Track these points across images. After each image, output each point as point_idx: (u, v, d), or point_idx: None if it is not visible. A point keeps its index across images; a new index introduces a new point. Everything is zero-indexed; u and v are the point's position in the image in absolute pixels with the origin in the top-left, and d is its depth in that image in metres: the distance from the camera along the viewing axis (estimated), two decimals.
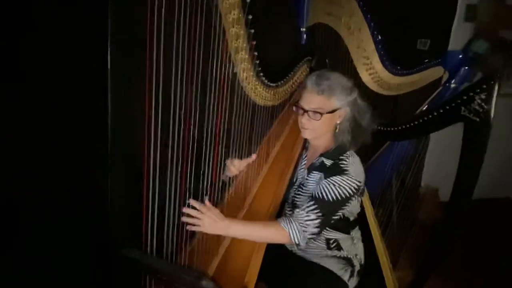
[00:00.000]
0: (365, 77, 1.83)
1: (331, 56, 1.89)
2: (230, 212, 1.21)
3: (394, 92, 1.80)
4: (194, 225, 1.01)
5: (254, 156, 1.31)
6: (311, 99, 1.19)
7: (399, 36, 2.14)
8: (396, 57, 1.98)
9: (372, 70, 1.79)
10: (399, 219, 2.04)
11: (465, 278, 2.07)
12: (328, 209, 1.13)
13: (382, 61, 1.78)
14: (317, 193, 1.16)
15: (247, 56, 1.13)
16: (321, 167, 1.25)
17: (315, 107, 1.18)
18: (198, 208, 1.00)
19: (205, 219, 1.01)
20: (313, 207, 1.13)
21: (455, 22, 2.45)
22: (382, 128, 1.48)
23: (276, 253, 1.32)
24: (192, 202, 1.00)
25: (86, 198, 0.97)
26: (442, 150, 2.20)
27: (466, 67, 1.67)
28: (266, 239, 1.14)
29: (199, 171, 1.08)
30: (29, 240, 0.91)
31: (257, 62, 1.18)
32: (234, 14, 1.04)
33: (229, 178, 1.33)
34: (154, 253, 0.93)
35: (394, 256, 1.80)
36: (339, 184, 1.15)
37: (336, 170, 1.18)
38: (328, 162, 1.23)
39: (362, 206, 1.59)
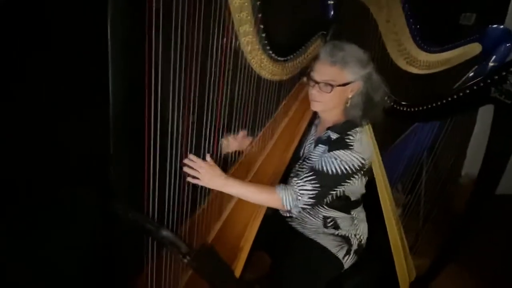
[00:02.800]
0: (394, 53, 1.71)
1: (358, 31, 1.78)
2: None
3: (425, 70, 1.66)
4: (194, 177, 1.04)
5: (244, 133, 1.32)
6: (323, 70, 1.14)
7: (439, 9, 1.96)
8: (433, 33, 1.82)
9: (402, 46, 1.66)
10: (432, 208, 1.95)
11: (482, 267, 1.97)
12: (326, 182, 1.11)
13: (413, 37, 1.64)
14: (318, 164, 1.13)
15: (251, 29, 1.09)
16: (327, 141, 1.22)
17: (326, 79, 1.13)
18: (198, 161, 1.04)
19: (205, 172, 1.04)
20: (311, 177, 1.11)
21: None
22: (404, 108, 1.39)
23: (276, 226, 1.36)
24: (193, 157, 1.04)
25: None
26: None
27: (508, 44, 1.50)
28: (260, 201, 1.16)
29: (201, 144, 1.10)
30: (33, 214, 0.97)
31: (263, 35, 1.13)
32: None
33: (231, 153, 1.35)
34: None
35: (421, 245, 1.73)
36: (341, 159, 1.12)
37: (341, 144, 1.15)
38: (334, 136, 1.20)
39: (375, 188, 1.54)
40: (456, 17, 2.13)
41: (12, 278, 0.90)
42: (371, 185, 1.50)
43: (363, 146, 1.15)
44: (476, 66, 1.57)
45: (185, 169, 1.03)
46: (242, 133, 1.33)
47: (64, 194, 0.93)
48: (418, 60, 1.65)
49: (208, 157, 1.07)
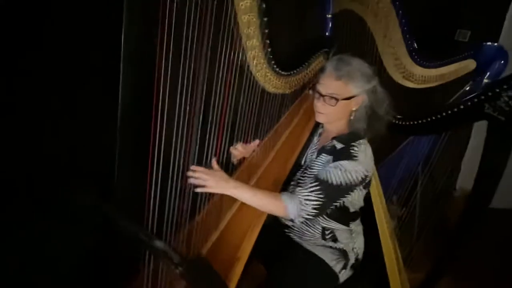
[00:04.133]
0: (390, 68, 1.74)
1: (356, 45, 1.82)
2: None
3: (421, 84, 1.69)
4: (200, 185, 1.01)
5: (257, 142, 1.32)
6: (328, 84, 1.16)
7: (435, 25, 2.00)
8: (429, 49, 1.85)
9: (398, 60, 1.69)
10: (426, 221, 1.95)
11: (477, 281, 1.98)
12: (330, 193, 1.11)
13: (409, 52, 1.67)
14: (322, 175, 1.13)
15: (258, 44, 1.12)
16: (332, 150, 1.22)
17: (331, 92, 1.15)
18: (202, 169, 1.02)
19: (211, 178, 1.02)
20: (316, 188, 1.11)
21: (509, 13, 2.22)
22: (399, 122, 1.41)
23: (274, 237, 1.35)
24: (196, 168, 1.02)
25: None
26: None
27: (502, 61, 1.53)
28: (264, 207, 1.14)
29: (204, 153, 1.11)
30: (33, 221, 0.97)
31: (269, 50, 1.16)
32: (247, 2, 1.03)
33: (235, 162, 1.35)
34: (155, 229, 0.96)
35: (415, 258, 1.73)
36: (345, 169, 1.12)
37: (346, 155, 1.15)
38: (339, 146, 1.20)
39: (370, 200, 1.55)
40: (451, 33, 2.18)
41: (7, 278, 0.90)
42: (366, 197, 1.51)
43: (367, 158, 1.16)
44: (471, 82, 1.60)
45: (192, 179, 1.01)
46: (254, 143, 1.33)
47: (63, 196, 0.93)
48: (414, 75, 1.68)
49: (214, 162, 1.07)
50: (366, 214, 1.50)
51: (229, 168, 1.34)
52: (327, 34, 1.91)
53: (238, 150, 1.29)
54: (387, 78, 1.74)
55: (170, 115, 0.88)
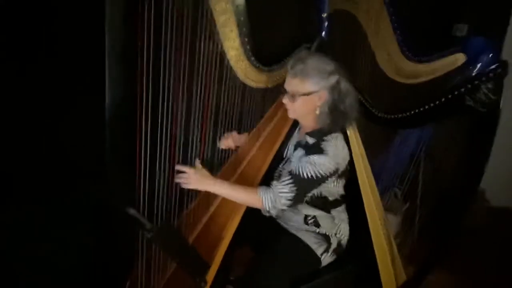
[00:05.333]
0: (383, 63, 1.77)
1: (351, 44, 1.86)
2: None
3: (412, 80, 1.71)
4: (184, 182, 1.15)
5: (246, 136, 1.46)
6: (289, 81, 1.27)
7: (431, 20, 2.01)
8: (426, 44, 1.87)
9: (389, 56, 1.72)
10: (430, 219, 1.96)
11: (471, 274, 2.00)
12: (302, 185, 1.21)
13: (400, 47, 1.70)
14: (295, 169, 1.23)
15: (235, 43, 1.21)
16: (304, 145, 1.32)
17: (291, 89, 1.26)
18: (185, 168, 1.15)
19: (193, 176, 1.15)
20: (289, 181, 1.21)
21: None
22: (384, 115, 1.46)
23: (263, 223, 1.47)
24: (180, 167, 1.15)
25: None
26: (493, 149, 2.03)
27: (491, 54, 1.53)
28: (243, 201, 1.26)
29: (189, 144, 1.21)
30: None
31: (248, 47, 1.24)
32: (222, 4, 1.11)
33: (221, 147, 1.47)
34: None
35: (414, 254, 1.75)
36: (315, 163, 1.21)
37: (316, 149, 1.24)
38: (310, 141, 1.31)
39: (358, 192, 1.59)
40: (448, 28, 2.18)
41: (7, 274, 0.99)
42: (355, 187, 1.56)
43: (337, 151, 1.25)
44: (459, 77, 1.61)
45: (176, 177, 1.14)
46: (244, 137, 1.49)
47: (59, 193, 1.03)
48: (405, 70, 1.71)
49: (197, 162, 1.20)
50: (356, 204, 1.55)
51: (215, 159, 1.43)
52: (323, 34, 1.98)
53: (228, 142, 1.43)
54: (380, 74, 1.78)
55: (156, 111, 0.97)
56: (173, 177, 1.13)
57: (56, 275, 1.09)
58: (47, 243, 1.04)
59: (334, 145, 1.25)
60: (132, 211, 0.90)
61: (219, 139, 1.42)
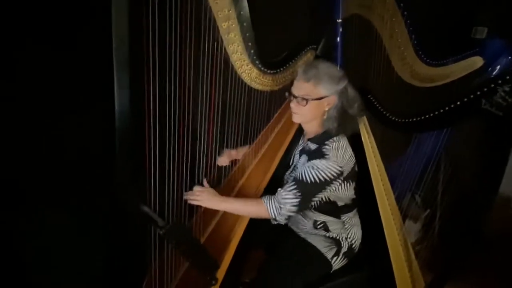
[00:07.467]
0: (398, 67, 1.76)
1: (365, 48, 1.85)
2: (226, 189, 1.46)
3: (428, 83, 1.69)
4: (194, 200, 1.23)
5: (246, 148, 1.50)
6: (299, 86, 1.29)
7: (451, 23, 1.98)
8: (445, 47, 1.84)
9: (405, 60, 1.71)
10: (452, 225, 1.91)
11: (477, 278, 1.92)
12: (306, 191, 1.23)
13: (416, 51, 1.69)
14: (299, 174, 1.25)
15: (239, 47, 1.23)
16: (308, 151, 1.34)
17: (302, 94, 1.27)
18: (197, 190, 1.24)
19: (203, 195, 1.23)
20: (293, 187, 1.23)
21: None
22: (398, 120, 1.45)
23: (275, 227, 1.45)
24: (190, 192, 1.24)
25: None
26: None
27: (510, 57, 1.50)
28: (250, 213, 1.31)
29: (196, 153, 1.24)
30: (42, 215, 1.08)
31: (252, 51, 1.27)
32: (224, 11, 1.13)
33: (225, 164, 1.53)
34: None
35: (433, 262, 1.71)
36: (318, 167, 1.23)
37: (317, 154, 1.26)
38: (313, 147, 1.33)
39: (373, 196, 1.58)
40: (468, 30, 2.13)
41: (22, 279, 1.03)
42: (370, 191, 1.55)
43: (340, 154, 1.26)
44: (477, 79, 1.58)
45: (189, 200, 1.21)
46: (242, 150, 1.52)
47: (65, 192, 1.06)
48: (421, 74, 1.69)
49: (205, 182, 1.28)
50: (370, 208, 1.53)
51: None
52: (337, 39, 1.99)
53: (225, 159, 1.49)
54: (396, 78, 1.76)
55: (162, 114, 1.00)
56: (182, 179, 1.17)
57: (70, 280, 1.13)
58: (60, 248, 1.08)
59: (336, 148, 1.27)
60: (145, 208, 0.94)
61: (226, 139, 1.45)
